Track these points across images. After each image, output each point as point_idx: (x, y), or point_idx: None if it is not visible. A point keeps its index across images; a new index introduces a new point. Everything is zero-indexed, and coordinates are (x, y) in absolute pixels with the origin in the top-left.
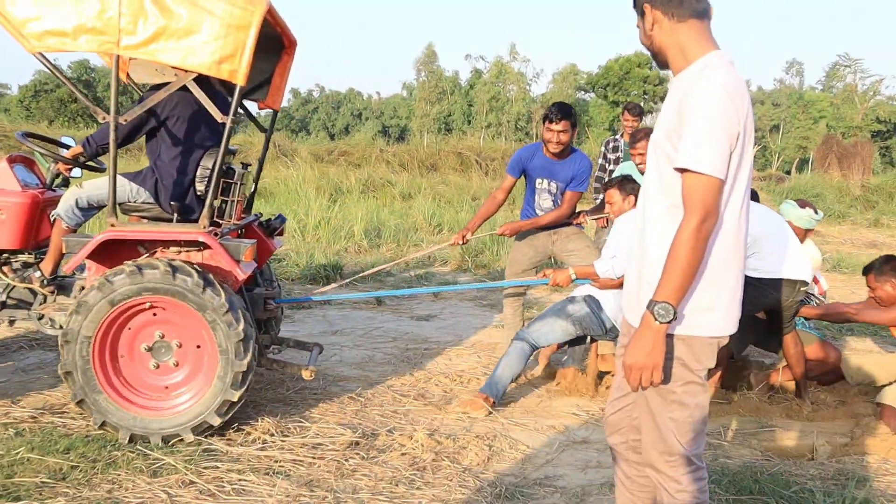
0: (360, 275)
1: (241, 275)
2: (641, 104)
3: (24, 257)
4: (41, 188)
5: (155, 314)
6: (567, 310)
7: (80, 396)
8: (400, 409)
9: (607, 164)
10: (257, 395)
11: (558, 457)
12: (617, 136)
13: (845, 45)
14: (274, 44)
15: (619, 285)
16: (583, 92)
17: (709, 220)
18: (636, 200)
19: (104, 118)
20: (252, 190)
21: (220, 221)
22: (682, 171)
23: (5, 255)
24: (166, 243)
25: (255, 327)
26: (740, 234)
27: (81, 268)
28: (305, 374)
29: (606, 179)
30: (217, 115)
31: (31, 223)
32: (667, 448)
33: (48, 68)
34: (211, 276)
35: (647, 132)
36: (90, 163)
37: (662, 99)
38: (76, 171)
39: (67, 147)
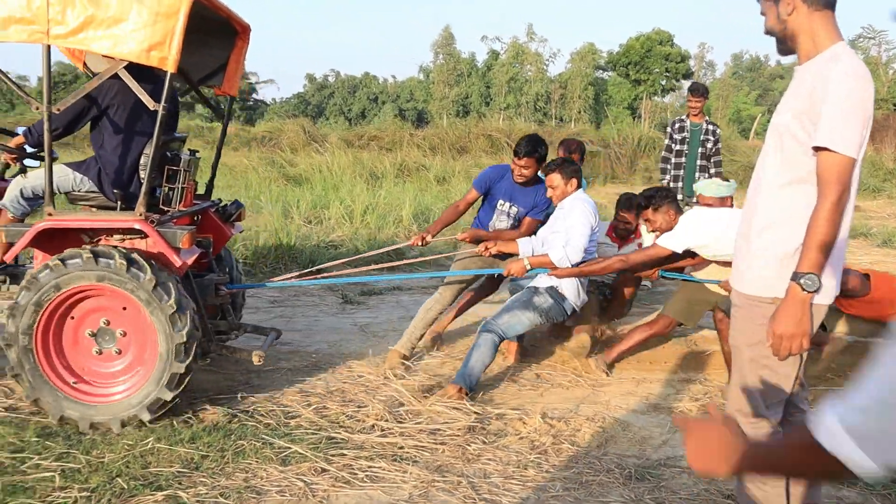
0: (326, 265)
1: (179, 262)
2: (664, 82)
3: None
4: None
5: (102, 302)
6: (533, 301)
7: (17, 371)
8: (498, 391)
9: (673, 145)
10: (357, 383)
11: (673, 437)
12: (683, 117)
13: (868, 17)
14: (226, 30)
15: (576, 274)
16: (601, 70)
17: (844, 196)
18: (579, 183)
19: (37, 108)
20: (211, 175)
21: (166, 209)
22: (820, 149)
23: None
24: (102, 231)
25: (199, 327)
26: (847, 210)
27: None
28: (255, 359)
29: (673, 160)
30: (149, 102)
31: None
32: (750, 408)
33: None
34: (165, 273)
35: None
36: (42, 153)
37: (685, 76)
38: (33, 161)
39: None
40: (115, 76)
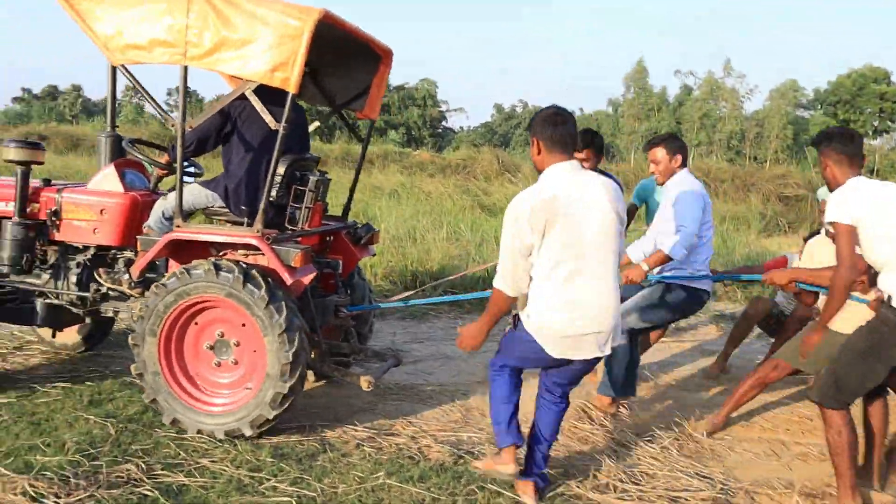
0: (431, 284)
1: (290, 279)
2: (877, 123)
3: (129, 254)
4: (148, 191)
5: (221, 314)
6: (665, 298)
7: (141, 370)
8: (735, 456)
9: None
10: (582, 432)
11: None
12: None
13: None
14: (368, 55)
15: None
16: (802, 109)
17: None
18: (684, 160)
19: (172, 125)
20: (348, 197)
21: (292, 228)
22: None
23: (112, 252)
24: (225, 245)
25: (309, 349)
26: None
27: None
28: (363, 385)
29: None
30: (271, 122)
31: (130, 222)
32: None
33: (129, 79)
34: (280, 291)
35: (665, 138)
36: (193, 169)
37: None
38: (187, 177)
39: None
40: (244, 96)
